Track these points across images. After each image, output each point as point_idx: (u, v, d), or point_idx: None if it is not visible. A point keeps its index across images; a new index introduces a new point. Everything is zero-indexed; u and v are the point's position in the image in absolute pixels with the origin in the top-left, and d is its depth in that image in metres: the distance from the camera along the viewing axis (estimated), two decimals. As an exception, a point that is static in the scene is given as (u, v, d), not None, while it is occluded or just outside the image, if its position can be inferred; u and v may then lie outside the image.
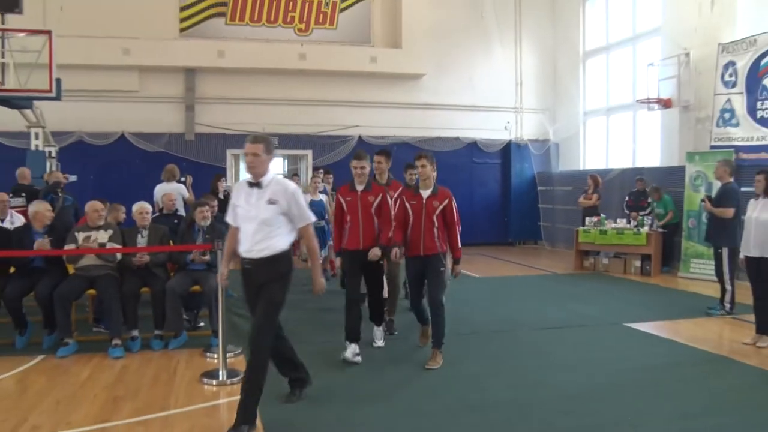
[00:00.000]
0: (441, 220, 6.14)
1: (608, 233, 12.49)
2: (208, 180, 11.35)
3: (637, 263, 12.28)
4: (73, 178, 11.68)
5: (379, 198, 6.44)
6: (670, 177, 12.94)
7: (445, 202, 6.15)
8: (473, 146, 17.44)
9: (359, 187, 6.44)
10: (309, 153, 16.49)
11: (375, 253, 6.30)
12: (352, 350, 6.24)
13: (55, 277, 6.80)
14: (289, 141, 16.18)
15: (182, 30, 15.80)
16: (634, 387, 5.49)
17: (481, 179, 17.53)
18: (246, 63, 15.60)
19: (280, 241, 4.57)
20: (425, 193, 6.17)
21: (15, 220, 8.28)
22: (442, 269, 6.16)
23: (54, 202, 9.37)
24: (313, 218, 4.78)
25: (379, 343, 6.81)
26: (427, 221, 6.10)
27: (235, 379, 5.57)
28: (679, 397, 5.25)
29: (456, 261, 6.28)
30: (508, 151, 17.75)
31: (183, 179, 11.28)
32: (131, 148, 15.16)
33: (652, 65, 13.36)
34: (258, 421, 4.50)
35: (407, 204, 6.22)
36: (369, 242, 6.35)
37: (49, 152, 12.43)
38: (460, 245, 6.27)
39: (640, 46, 14.94)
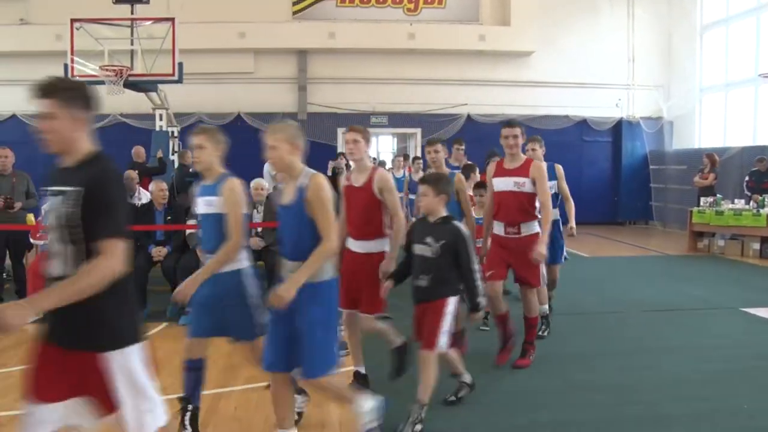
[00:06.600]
0: None
1: (725, 214, 12.02)
2: (320, 158, 11.77)
3: (756, 246, 11.78)
4: None
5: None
6: (794, 156, 12.30)
7: None
8: (583, 124, 17.11)
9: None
10: (418, 131, 16.71)
11: None
12: None
13: (178, 251, 7.35)
14: (398, 120, 16.47)
15: (295, 13, 16.31)
16: (751, 375, 5.26)
17: (590, 158, 17.21)
18: (356, 44, 15.95)
19: None
20: None
21: (142, 197, 8.93)
22: None
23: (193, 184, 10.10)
24: None
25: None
26: None
27: (342, 352, 5.51)
28: (802, 389, 4.98)
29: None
30: (619, 129, 17.34)
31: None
32: (247, 127, 15.76)
33: (778, 37, 12.71)
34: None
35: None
36: None
37: (172, 132, 13.25)
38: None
39: (764, 16, 14.18)
